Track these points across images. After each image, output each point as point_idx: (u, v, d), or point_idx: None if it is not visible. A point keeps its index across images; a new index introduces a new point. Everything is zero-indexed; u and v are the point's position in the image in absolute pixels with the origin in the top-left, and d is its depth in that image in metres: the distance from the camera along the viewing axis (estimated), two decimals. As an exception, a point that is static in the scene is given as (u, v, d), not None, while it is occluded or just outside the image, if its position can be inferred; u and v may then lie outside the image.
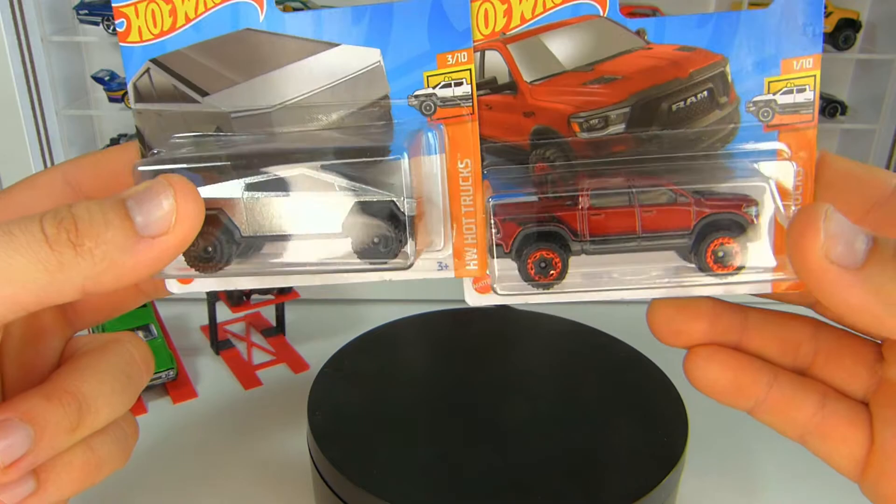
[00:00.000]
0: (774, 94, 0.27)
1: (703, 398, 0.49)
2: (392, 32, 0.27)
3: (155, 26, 0.27)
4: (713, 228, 0.26)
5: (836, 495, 0.46)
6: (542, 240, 0.27)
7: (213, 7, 0.27)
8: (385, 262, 0.27)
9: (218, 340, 0.60)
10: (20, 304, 0.23)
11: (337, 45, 0.27)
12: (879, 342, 0.28)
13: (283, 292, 0.58)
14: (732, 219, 0.26)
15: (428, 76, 0.27)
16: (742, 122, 0.27)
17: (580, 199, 0.27)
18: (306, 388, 0.43)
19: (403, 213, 0.26)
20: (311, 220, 0.26)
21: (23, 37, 0.57)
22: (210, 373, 0.57)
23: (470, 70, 0.27)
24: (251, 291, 0.56)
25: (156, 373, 0.53)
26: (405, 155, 0.26)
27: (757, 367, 0.28)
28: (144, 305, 0.57)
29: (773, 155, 0.27)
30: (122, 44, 0.27)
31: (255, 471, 0.46)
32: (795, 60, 0.26)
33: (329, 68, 0.27)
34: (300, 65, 0.27)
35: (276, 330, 0.62)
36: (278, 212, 0.26)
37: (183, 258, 0.27)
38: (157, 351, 0.54)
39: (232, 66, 0.27)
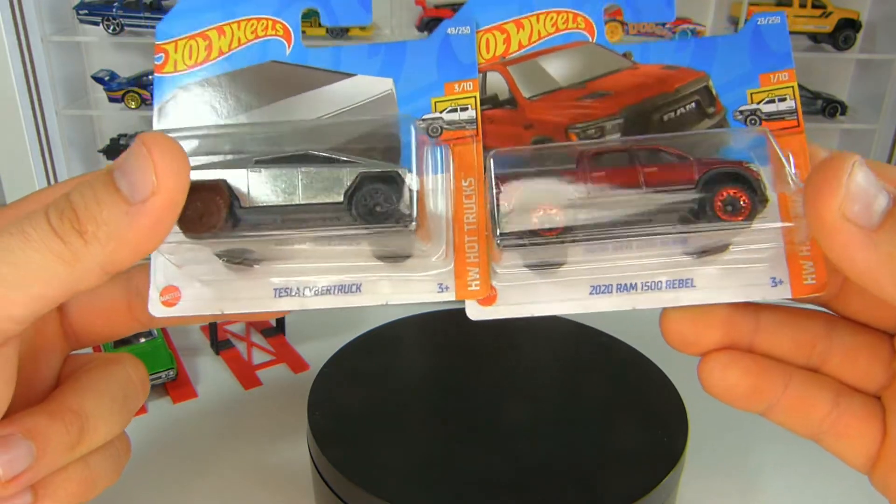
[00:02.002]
0: (758, 103, 0.29)
1: (703, 398, 0.49)
2: (405, 65, 0.29)
3: (190, 59, 0.29)
4: (718, 180, 0.27)
5: (837, 495, 0.46)
6: (546, 196, 0.27)
7: (246, 42, 0.29)
8: (387, 225, 0.27)
9: (218, 340, 0.60)
10: (48, 299, 0.23)
11: (353, 75, 0.29)
12: (894, 335, 0.28)
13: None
14: (737, 172, 0.27)
15: (436, 102, 0.29)
16: (730, 131, 0.29)
17: (582, 160, 0.28)
18: (306, 388, 0.43)
19: (405, 180, 0.27)
20: (312, 190, 0.27)
21: (23, 37, 0.57)
22: (210, 373, 0.57)
23: (475, 97, 0.29)
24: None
25: (156, 373, 0.53)
26: (412, 130, 0.28)
27: (772, 370, 0.28)
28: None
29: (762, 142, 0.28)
30: (157, 74, 0.29)
31: (255, 471, 0.46)
32: (772, 75, 0.29)
33: (343, 95, 0.29)
34: (317, 92, 0.29)
35: (276, 330, 0.62)
36: (279, 182, 0.27)
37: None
38: (157, 351, 0.54)
39: (252, 92, 0.29)
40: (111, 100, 0.65)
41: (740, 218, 0.27)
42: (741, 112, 0.29)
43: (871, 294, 0.24)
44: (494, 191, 0.27)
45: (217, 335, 0.59)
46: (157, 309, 0.28)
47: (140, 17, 0.64)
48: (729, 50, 0.29)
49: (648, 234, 0.27)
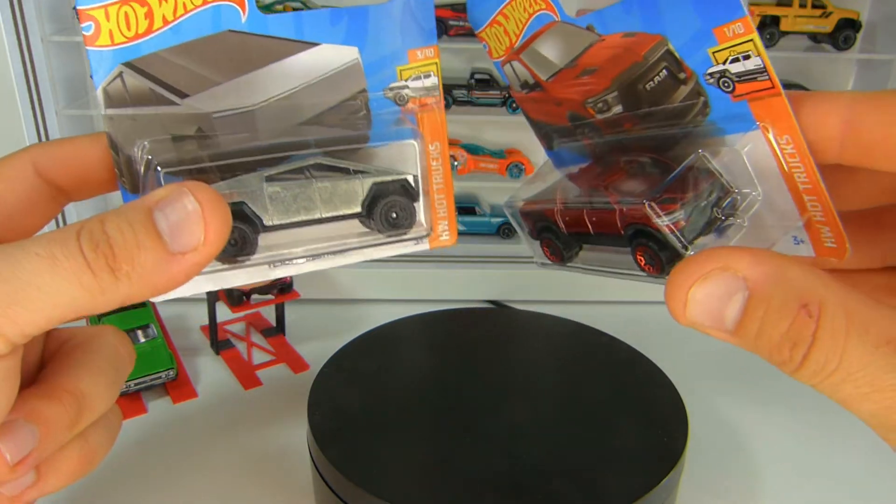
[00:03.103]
0: (723, 63, 0.26)
1: (704, 398, 0.49)
2: (368, 32, 0.29)
3: (128, 30, 0.26)
4: (637, 235, 0.28)
5: (837, 495, 0.46)
6: (545, 231, 0.34)
7: (193, 9, 0.26)
8: (405, 233, 0.29)
9: (218, 340, 0.60)
10: (62, 320, 0.24)
11: (317, 44, 0.28)
12: None
13: (284, 292, 0.58)
14: (646, 230, 0.28)
15: (401, 70, 0.29)
16: (710, 94, 0.27)
17: (557, 204, 0.32)
18: (306, 388, 0.43)
19: (415, 188, 0.29)
20: (332, 204, 0.28)
21: (23, 37, 0.57)
22: (210, 373, 0.57)
23: (436, 63, 0.30)
24: (251, 291, 0.56)
25: (156, 373, 0.53)
26: (417, 140, 0.29)
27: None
28: (144, 305, 0.57)
29: (751, 126, 0.27)
30: (88, 47, 0.26)
31: (256, 471, 0.46)
32: (726, 27, 0.26)
33: (310, 66, 0.28)
34: (282, 64, 0.28)
35: (276, 330, 0.62)
36: (299, 199, 0.27)
37: None
38: (157, 351, 0.54)
39: (213, 68, 0.27)
40: (111, 100, 0.65)
41: (656, 271, 0.28)
42: (711, 75, 0.27)
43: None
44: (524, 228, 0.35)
45: (217, 335, 0.59)
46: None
47: (140, 17, 0.64)
48: (671, 4, 0.27)
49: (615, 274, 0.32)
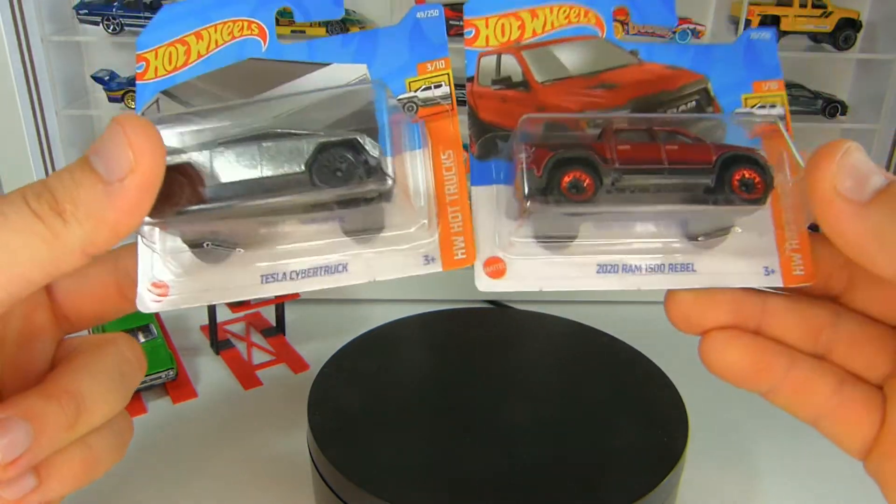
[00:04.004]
0: (751, 108, 0.31)
1: (704, 398, 0.49)
2: (377, 51, 0.30)
3: (170, 65, 0.30)
4: (734, 161, 0.28)
5: (837, 495, 0.46)
6: (575, 163, 0.28)
7: (222, 44, 0.30)
8: (357, 190, 0.27)
9: (218, 340, 0.60)
10: (30, 281, 0.24)
11: (328, 64, 0.30)
12: None
13: (283, 292, 0.58)
14: (750, 156, 0.28)
15: (409, 82, 0.30)
16: (728, 128, 0.31)
17: (609, 133, 0.29)
18: (306, 388, 0.43)
19: (368, 146, 0.27)
20: (275, 163, 0.27)
21: (23, 37, 0.57)
22: (210, 373, 0.57)
23: (448, 74, 0.30)
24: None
25: (156, 373, 0.53)
26: (384, 97, 0.28)
27: (775, 352, 0.29)
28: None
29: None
30: (138, 82, 0.30)
31: (255, 471, 0.46)
32: (764, 83, 0.31)
33: (320, 84, 0.30)
34: (294, 83, 0.30)
35: (276, 330, 0.62)
36: (242, 159, 0.27)
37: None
38: (156, 351, 0.54)
39: (234, 90, 0.30)
40: (111, 100, 0.65)
41: (755, 196, 0.28)
42: (736, 114, 0.31)
43: (877, 289, 0.25)
44: (523, 154, 0.28)
45: (217, 335, 0.59)
46: (145, 304, 0.28)
47: (140, 17, 0.64)
48: (725, 57, 0.31)
49: (670, 210, 0.29)
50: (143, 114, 0.29)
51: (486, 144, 0.31)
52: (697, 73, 0.31)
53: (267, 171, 0.27)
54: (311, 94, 0.29)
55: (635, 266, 0.30)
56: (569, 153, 0.28)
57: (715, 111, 0.31)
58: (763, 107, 0.31)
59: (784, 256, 0.29)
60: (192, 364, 0.58)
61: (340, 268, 0.28)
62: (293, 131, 0.27)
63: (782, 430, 0.52)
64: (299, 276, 0.28)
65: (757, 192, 0.28)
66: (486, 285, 0.29)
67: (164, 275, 0.28)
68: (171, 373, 0.54)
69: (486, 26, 0.31)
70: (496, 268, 0.29)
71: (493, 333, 0.50)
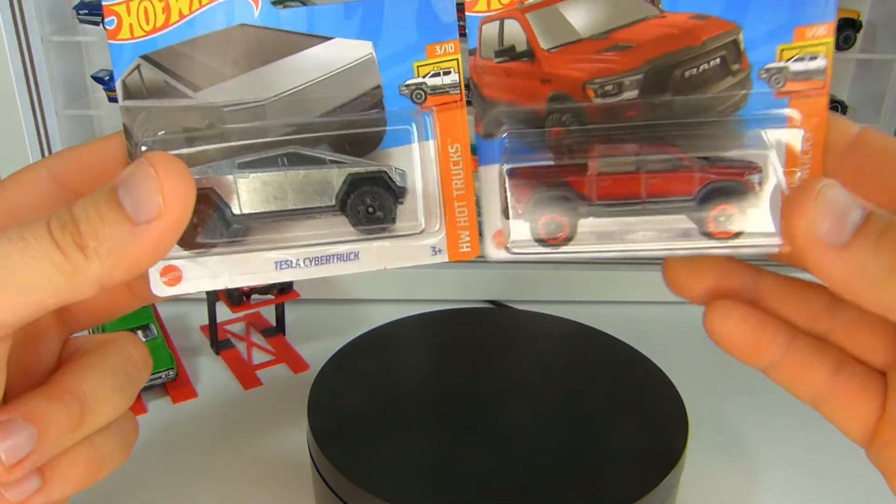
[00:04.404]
0: (787, 61, 0.27)
1: (704, 398, 0.49)
2: (383, 26, 0.28)
3: (147, 23, 0.27)
4: (716, 194, 0.27)
5: (837, 495, 0.46)
6: (552, 203, 0.28)
7: (207, 4, 0.27)
8: (385, 228, 0.28)
9: (218, 340, 0.60)
10: (41, 307, 0.24)
11: (330, 38, 0.28)
12: None
13: (284, 292, 0.58)
14: (734, 186, 0.27)
15: (418, 66, 0.28)
16: (753, 88, 0.27)
17: (590, 165, 0.28)
18: (306, 388, 0.43)
19: (399, 181, 0.27)
20: (304, 194, 0.27)
21: (23, 37, 0.57)
22: (210, 373, 0.57)
23: (457, 60, 0.28)
24: (251, 290, 0.56)
25: (156, 373, 0.53)
26: (421, 142, 0.28)
27: (775, 326, 0.28)
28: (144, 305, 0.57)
29: (784, 121, 0.28)
30: (111, 41, 0.27)
31: (255, 471, 0.46)
32: (809, 28, 0.26)
33: (323, 61, 0.28)
34: (294, 58, 0.28)
35: (276, 330, 0.62)
36: (269, 188, 0.27)
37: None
38: (157, 351, 0.54)
39: (226, 61, 0.28)
40: (111, 100, 0.65)
41: (730, 234, 0.27)
42: (767, 70, 0.27)
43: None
44: (507, 187, 0.28)
45: (217, 335, 0.59)
46: (159, 289, 0.28)
47: (140, 17, 0.64)
48: None
49: (649, 249, 0.28)
50: (123, 82, 0.27)
51: (491, 123, 0.29)
52: (728, 21, 0.27)
53: (296, 203, 0.27)
54: (312, 73, 0.28)
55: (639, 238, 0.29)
56: (548, 191, 0.28)
57: (742, 67, 0.27)
58: (801, 59, 0.27)
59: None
60: (192, 364, 0.58)
61: (352, 256, 0.29)
62: (316, 154, 0.27)
63: (782, 430, 0.52)
64: (312, 264, 0.28)
65: (731, 230, 0.27)
66: (494, 253, 0.29)
67: (177, 262, 0.28)
68: (171, 373, 0.54)
69: None
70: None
71: (493, 333, 0.50)
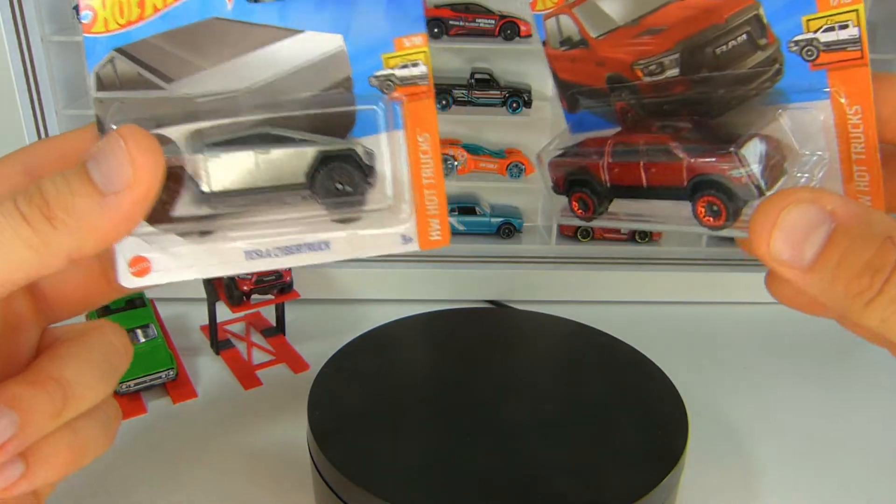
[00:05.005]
0: (815, 31, 0.26)
1: (704, 398, 0.49)
2: (354, 19, 0.29)
3: (122, 17, 0.27)
4: (702, 187, 0.28)
5: (837, 495, 0.46)
6: (578, 185, 0.33)
7: None
8: (356, 206, 0.28)
9: (218, 340, 0.60)
10: (10, 282, 0.24)
11: (302, 31, 0.28)
12: None
13: (284, 292, 0.58)
14: (718, 180, 0.28)
15: (387, 58, 0.29)
16: (787, 62, 0.27)
17: (605, 157, 0.32)
18: (306, 388, 0.43)
19: (367, 160, 0.28)
20: (274, 173, 0.27)
21: (23, 37, 0.57)
22: (210, 373, 0.57)
23: (425, 52, 0.29)
24: (251, 291, 0.56)
25: (156, 373, 0.53)
26: (390, 132, 0.28)
27: None
28: (144, 305, 0.57)
29: (824, 95, 0.27)
30: (85, 35, 0.27)
31: (255, 470, 0.46)
32: None
33: (294, 53, 0.28)
34: (266, 50, 0.28)
35: (276, 330, 0.62)
36: (239, 168, 0.27)
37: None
38: (156, 351, 0.54)
39: (198, 54, 0.28)
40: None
41: (719, 223, 0.28)
42: (796, 43, 0.27)
43: None
44: (549, 181, 0.34)
45: (217, 335, 0.59)
46: (127, 280, 0.28)
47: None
48: None
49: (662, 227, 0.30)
50: (97, 74, 0.27)
51: (571, 100, 0.35)
52: None
53: (265, 181, 0.27)
54: (284, 65, 0.28)
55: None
56: (575, 175, 0.33)
57: (769, 42, 0.27)
58: (831, 28, 0.26)
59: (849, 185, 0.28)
60: (192, 364, 0.58)
61: (323, 245, 0.29)
62: (286, 134, 0.27)
63: (782, 430, 0.52)
64: (283, 254, 0.28)
65: (718, 219, 0.28)
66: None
67: (144, 251, 0.28)
68: (171, 373, 0.54)
69: None
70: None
71: (493, 333, 0.50)
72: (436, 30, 0.68)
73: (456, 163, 0.72)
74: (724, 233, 0.29)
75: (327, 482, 0.38)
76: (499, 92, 0.70)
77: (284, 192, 0.27)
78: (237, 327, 0.63)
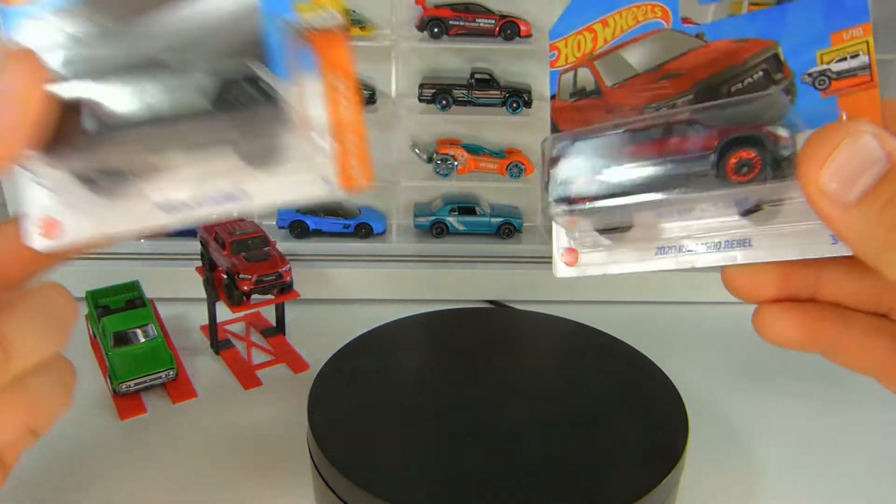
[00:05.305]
0: (828, 63, 0.28)
1: (704, 398, 0.49)
2: None
3: None
4: (736, 143, 0.28)
5: (837, 495, 0.46)
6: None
7: None
8: (256, 106, 0.27)
9: (218, 340, 0.60)
10: None
11: None
12: None
13: (284, 292, 0.58)
14: (752, 135, 0.28)
15: (298, 5, 0.28)
16: (798, 92, 0.28)
17: (624, 135, 0.31)
18: (306, 388, 0.43)
19: (257, 70, 0.27)
20: (174, 99, 0.27)
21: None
22: (210, 373, 0.57)
23: (340, 2, 0.28)
24: (251, 291, 0.56)
25: (156, 373, 0.53)
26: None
27: (826, 319, 0.28)
28: (144, 305, 0.57)
29: (829, 119, 0.28)
30: (2, 6, 0.27)
31: (255, 470, 0.46)
32: (844, 32, 0.28)
33: (205, 11, 0.28)
34: (176, 8, 0.28)
35: (276, 330, 0.62)
36: (142, 97, 0.26)
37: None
38: (156, 351, 0.54)
39: (106, 14, 0.27)
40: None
41: (750, 177, 0.28)
42: (809, 75, 0.28)
43: None
44: (547, 166, 0.32)
45: (217, 335, 0.60)
46: (36, 242, 0.27)
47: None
48: (800, 13, 0.28)
49: (684, 199, 0.29)
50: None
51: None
52: (767, 40, 0.29)
53: (164, 105, 0.27)
54: (195, 20, 0.28)
55: (689, 249, 0.31)
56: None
57: (785, 77, 0.29)
58: (843, 59, 0.28)
59: None
60: (192, 364, 0.58)
61: (240, 194, 0.28)
62: (184, 60, 0.27)
63: (782, 430, 0.52)
64: (198, 205, 0.28)
65: (751, 174, 0.28)
66: (564, 272, 0.32)
67: (55, 212, 0.27)
68: (171, 373, 0.54)
69: (566, 46, 0.33)
70: (572, 257, 0.33)
71: (493, 333, 0.50)
72: (436, 30, 0.68)
73: (456, 163, 0.72)
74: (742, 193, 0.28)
75: (327, 482, 0.38)
76: (499, 92, 0.70)
77: (183, 114, 0.27)
78: (237, 327, 0.63)
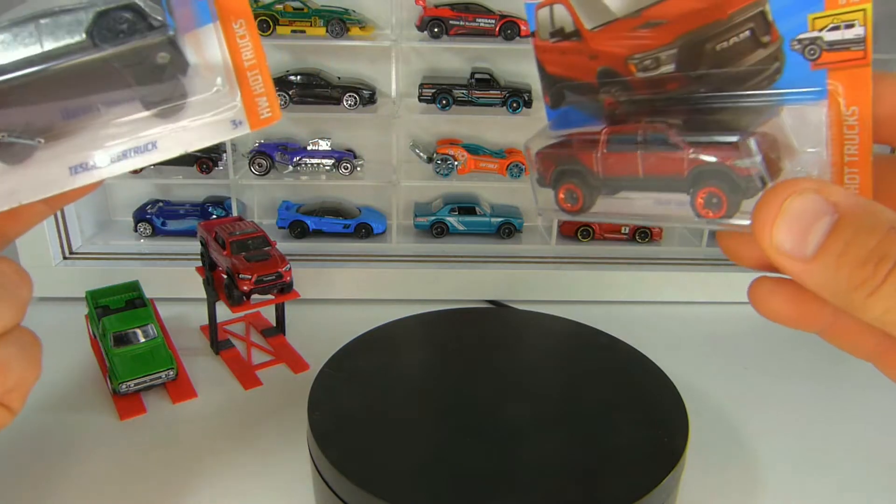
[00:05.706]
0: (820, 30, 0.26)
1: (704, 398, 0.48)
2: None
3: None
4: (705, 177, 0.28)
5: (837, 495, 0.46)
6: (567, 176, 0.32)
7: None
8: (140, 44, 0.27)
9: (218, 340, 0.60)
10: None
11: None
12: None
13: (284, 292, 0.58)
14: (720, 170, 0.27)
15: None
16: (787, 60, 0.27)
17: (599, 147, 0.31)
18: (306, 388, 0.43)
19: (143, 6, 0.27)
20: (55, 35, 0.27)
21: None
22: (210, 373, 0.57)
23: None
24: (251, 291, 0.56)
25: (156, 373, 0.53)
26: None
27: (821, 299, 0.29)
28: (144, 305, 0.57)
29: (822, 95, 0.27)
30: None
31: (256, 471, 0.46)
32: None
33: None
34: None
35: (276, 330, 0.62)
36: (19, 36, 0.26)
37: None
38: (156, 351, 0.54)
39: None
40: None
41: (719, 215, 0.27)
42: (799, 41, 0.26)
43: None
44: (534, 163, 0.33)
45: (217, 335, 0.60)
46: None
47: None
48: None
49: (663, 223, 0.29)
50: None
51: (556, 95, 0.33)
52: None
53: (48, 45, 0.26)
54: None
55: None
56: (565, 165, 0.31)
57: (772, 39, 0.27)
58: (836, 27, 0.26)
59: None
60: (192, 364, 0.58)
61: (150, 146, 0.28)
62: (68, 7, 0.27)
63: (782, 430, 0.52)
64: (110, 161, 0.28)
65: (718, 211, 0.27)
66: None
67: None
68: (171, 373, 0.54)
69: None
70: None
71: (493, 333, 0.50)
72: (436, 29, 0.68)
73: (456, 163, 0.72)
74: (716, 226, 0.28)
75: (327, 482, 0.38)
76: (499, 92, 0.70)
77: (68, 53, 0.27)
78: (237, 327, 0.63)
